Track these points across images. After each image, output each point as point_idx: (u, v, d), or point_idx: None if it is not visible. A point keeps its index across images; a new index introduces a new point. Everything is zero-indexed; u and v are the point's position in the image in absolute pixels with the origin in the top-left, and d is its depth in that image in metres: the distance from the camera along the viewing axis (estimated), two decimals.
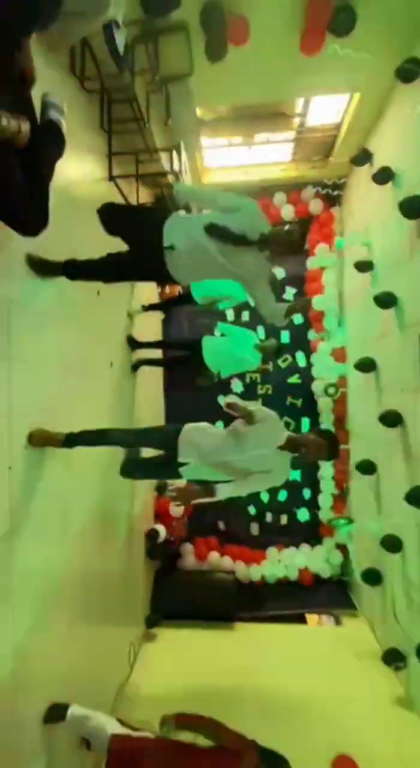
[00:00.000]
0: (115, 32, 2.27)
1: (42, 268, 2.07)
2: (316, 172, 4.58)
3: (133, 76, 2.72)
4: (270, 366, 4.97)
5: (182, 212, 2.20)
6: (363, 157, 3.81)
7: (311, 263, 4.85)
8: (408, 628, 3.13)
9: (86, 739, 2.29)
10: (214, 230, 1.99)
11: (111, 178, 3.27)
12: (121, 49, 2.37)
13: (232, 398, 2.22)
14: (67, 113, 1.39)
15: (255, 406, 2.16)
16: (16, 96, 1.02)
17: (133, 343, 3.83)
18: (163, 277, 2.12)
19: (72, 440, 2.13)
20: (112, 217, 2.20)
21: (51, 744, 2.14)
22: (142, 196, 4.01)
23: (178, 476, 2.20)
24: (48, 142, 1.18)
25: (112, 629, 3.27)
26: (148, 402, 4.32)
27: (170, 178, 3.69)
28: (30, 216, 1.16)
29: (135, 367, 3.90)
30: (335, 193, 4.61)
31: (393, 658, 3.06)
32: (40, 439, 2.05)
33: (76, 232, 2.62)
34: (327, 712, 3.08)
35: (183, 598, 4.27)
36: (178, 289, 4.44)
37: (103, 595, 3.04)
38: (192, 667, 3.59)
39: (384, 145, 3.61)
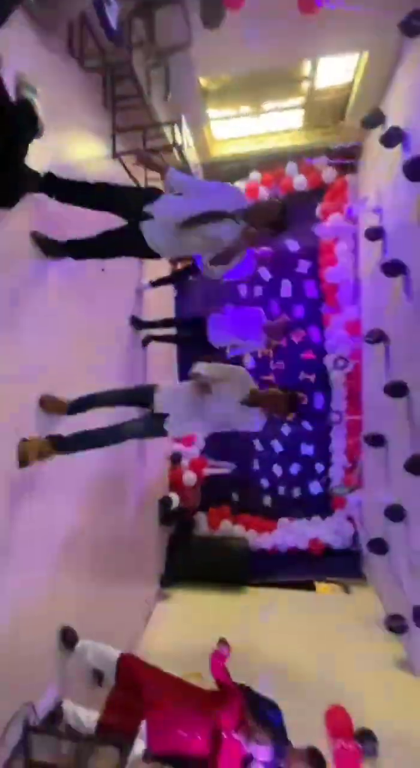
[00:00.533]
0: (106, 7, 2.31)
1: (46, 246, 2.22)
2: (328, 137, 4.43)
3: (130, 51, 2.75)
4: (281, 342, 4.93)
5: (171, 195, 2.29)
6: (375, 118, 3.64)
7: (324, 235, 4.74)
8: (410, 594, 3.18)
9: (98, 672, 2.54)
10: (189, 223, 2.10)
11: (115, 155, 3.34)
12: (113, 24, 2.41)
13: (199, 366, 2.30)
14: (66, 94, 1.44)
15: (216, 368, 2.28)
16: None
17: (137, 323, 3.86)
18: (144, 250, 2.21)
19: (72, 408, 2.30)
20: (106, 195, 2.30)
21: (65, 674, 2.40)
22: (149, 172, 4.06)
23: (163, 432, 2.31)
24: (22, 120, 1.27)
25: (126, 587, 3.52)
26: (158, 376, 4.44)
27: (175, 152, 3.71)
28: (12, 189, 1.26)
29: (145, 342, 4.02)
30: (347, 162, 4.43)
31: (394, 621, 3.13)
32: (51, 406, 2.22)
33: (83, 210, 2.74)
34: (328, 670, 3.21)
35: (196, 561, 4.49)
36: (188, 263, 4.43)
37: (116, 554, 3.27)
38: (202, 625, 3.80)
39: (397, 106, 3.44)
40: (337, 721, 2.66)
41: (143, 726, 1.91)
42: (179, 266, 4.79)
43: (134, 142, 3.52)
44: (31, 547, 2.14)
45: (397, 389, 3.19)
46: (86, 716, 2.23)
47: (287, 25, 3.00)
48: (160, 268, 4.56)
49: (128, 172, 3.62)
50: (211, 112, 4.24)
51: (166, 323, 4.16)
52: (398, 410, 3.37)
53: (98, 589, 2.93)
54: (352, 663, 3.32)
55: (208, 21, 2.83)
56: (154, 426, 2.30)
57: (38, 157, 2.32)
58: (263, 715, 2.13)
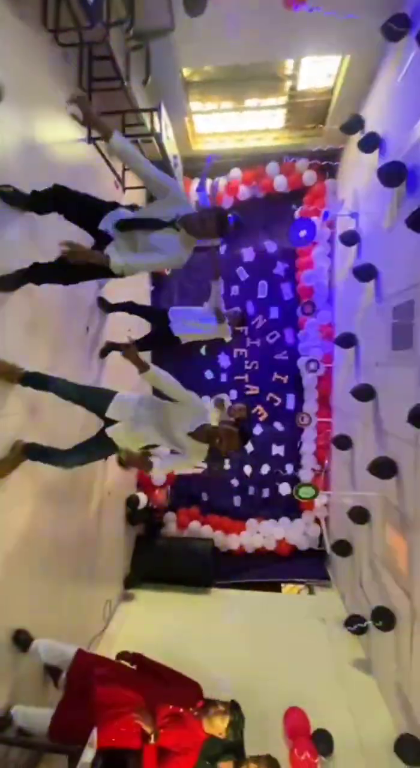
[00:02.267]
0: None
1: (11, 200, 2.16)
2: (309, 140, 4.45)
3: (107, 28, 2.64)
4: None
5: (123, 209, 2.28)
6: (354, 123, 3.68)
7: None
8: (370, 595, 3.22)
9: (52, 671, 2.43)
10: (121, 225, 2.12)
11: (90, 139, 3.22)
12: None
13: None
14: (37, 69, 1.34)
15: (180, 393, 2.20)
16: None
17: (106, 305, 3.62)
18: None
19: (27, 378, 2.20)
20: (63, 201, 2.24)
21: (18, 677, 2.28)
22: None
23: (111, 446, 2.25)
24: None
25: (87, 587, 3.40)
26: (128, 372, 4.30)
27: (153, 140, 3.62)
28: None
29: (104, 352, 3.61)
30: (325, 163, 4.46)
31: (353, 622, 3.16)
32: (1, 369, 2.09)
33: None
34: (289, 671, 3.21)
35: (161, 562, 4.41)
36: None
37: (78, 554, 3.16)
38: (166, 626, 3.74)
39: (375, 111, 3.48)
40: (295, 722, 2.66)
41: (94, 733, 1.82)
42: None
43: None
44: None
45: (364, 393, 3.22)
46: (39, 715, 2.13)
47: (270, 21, 2.97)
48: None
49: (105, 159, 3.50)
50: (193, 105, 4.16)
51: (128, 308, 3.82)
52: (365, 414, 3.41)
53: (56, 590, 2.82)
54: (313, 663, 3.34)
55: (190, 7, 2.75)
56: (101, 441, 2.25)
57: (4, 133, 2.23)
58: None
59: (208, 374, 5.15)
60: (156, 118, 3.33)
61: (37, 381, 2.23)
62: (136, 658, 2.35)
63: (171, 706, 2.02)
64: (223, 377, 5.14)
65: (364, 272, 3.23)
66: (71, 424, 2.73)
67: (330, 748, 2.51)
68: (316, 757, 2.44)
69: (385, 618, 2.67)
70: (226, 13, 2.89)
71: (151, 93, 3.56)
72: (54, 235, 2.34)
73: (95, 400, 2.30)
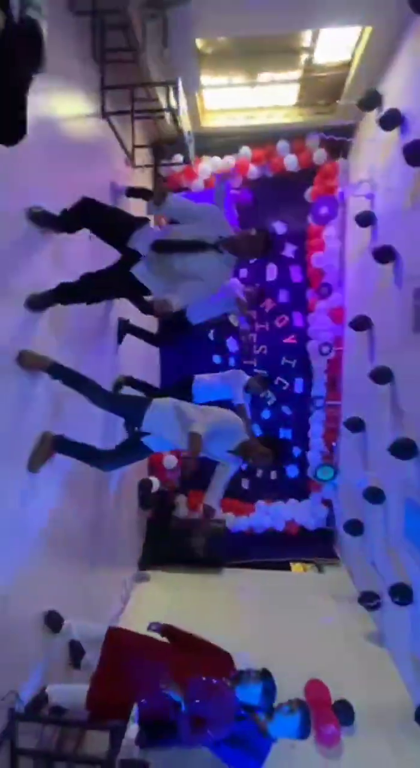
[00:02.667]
0: None
1: (42, 221, 2.10)
2: (322, 117, 4.34)
3: None
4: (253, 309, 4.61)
5: (152, 224, 2.27)
6: (372, 99, 3.59)
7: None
8: (384, 572, 3.31)
9: (75, 653, 2.48)
10: (160, 246, 2.09)
11: (104, 114, 3.10)
12: None
13: (196, 426, 2.29)
14: (51, 37, 1.27)
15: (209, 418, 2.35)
16: None
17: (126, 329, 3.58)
18: (137, 288, 2.17)
19: (57, 370, 2.18)
20: (89, 212, 2.20)
21: (51, 657, 2.32)
22: (140, 138, 3.83)
23: (145, 451, 2.38)
24: (27, 42, 1.09)
25: (105, 570, 3.45)
26: (139, 356, 4.27)
27: (167, 118, 3.51)
28: (11, 124, 1.10)
29: (121, 334, 3.59)
30: (340, 139, 4.33)
31: (368, 598, 3.25)
32: (30, 360, 2.07)
33: (66, 171, 2.53)
34: (304, 645, 3.31)
35: (174, 544, 4.47)
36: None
37: (96, 538, 3.19)
38: (181, 605, 3.82)
39: (395, 87, 3.39)
40: (316, 693, 2.75)
41: (136, 708, 1.87)
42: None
43: (126, 102, 3.28)
44: (13, 534, 2.01)
45: (382, 375, 3.24)
46: (71, 693, 2.19)
47: None
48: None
49: (117, 135, 3.39)
50: (204, 79, 4.02)
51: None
52: (380, 396, 3.43)
53: (78, 574, 2.86)
54: (326, 638, 3.45)
55: None
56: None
57: None
58: None
59: (216, 358, 5.13)
60: (171, 93, 3.20)
61: (67, 377, 2.23)
62: (167, 629, 2.40)
63: (204, 677, 2.08)
64: (232, 361, 5.12)
65: (384, 254, 3.21)
66: (96, 415, 2.72)
67: (351, 718, 2.61)
68: (339, 727, 2.54)
69: (403, 594, 2.75)
70: None
71: (165, 65, 3.42)
72: (77, 254, 2.31)
73: (128, 410, 2.35)
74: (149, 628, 2.43)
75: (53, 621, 2.33)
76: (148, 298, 2.61)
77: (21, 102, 1.13)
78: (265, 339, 5.05)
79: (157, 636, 2.42)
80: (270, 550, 4.73)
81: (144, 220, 2.22)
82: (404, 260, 3.12)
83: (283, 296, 4.99)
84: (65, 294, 2.20)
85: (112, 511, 3.60)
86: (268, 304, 5.00)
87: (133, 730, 1.81)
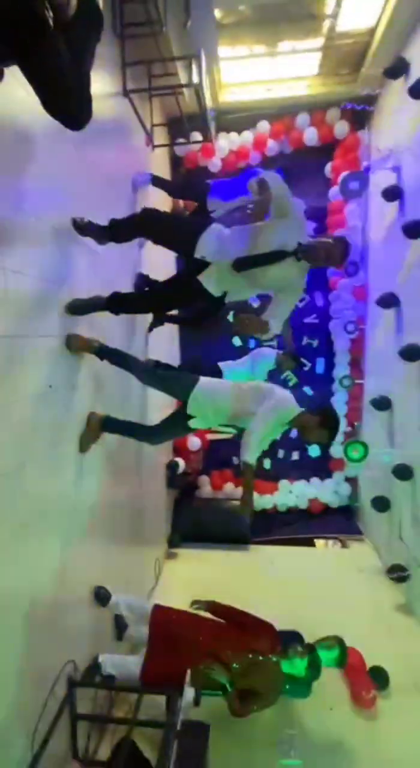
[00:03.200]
0: None
1: (87, 231, 2.14)
2: (344, 87, 4.20)
3: None
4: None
5: (219, 225, 2.17)
6: (399, 67, 3.46)
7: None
8: (413, 546, 3.38)
9: (119, 625, 2.60)
10: (241, 265, 2.04)
11: (125, 92, 3.04)
12: None
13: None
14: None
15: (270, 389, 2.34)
16: None
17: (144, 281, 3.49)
18: (199, 295, 2.14)
19: (105, 351, 2.24)
20: (151, 226, 2.21)
21: (98, 625, 2.44)
22: (155, 116, 3.75)
23: (188, 430, 2.40)
24: (86, 22, 1.07)
25: (140, 547, 3.57)
26: (161, 339, 4.28)
27: (186, 92, 3.42)
28: (81, 105, 1.10)
29: (153, 325, 3.61)
30: (362, 108, 4.19)
31: (396, 570, 3.33)
32: (78, 343, 2.12)
33: (93, 155, 2.51)
34: (334, 616, 3.40)
35: (201, 522, 4.59)
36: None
37: (130, 518, 3.31)
38: (211, 579, 3.92)
39: None
40: (351, 660, 2.85)
41: (189, 673, 1.97)
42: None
43: (144, 79, 3.20)
44: (67, 515, 2.11)
45: (413, 353, 3.23)
46: (122, 662, 2.31)
47: None
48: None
49: (137, 114, 3.33)
50: (222, 50, 3.89)
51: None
52: (407, 373, 3.43)
53: (117, 553, 2.97)
54: (356, 610, 3.54)
55: None
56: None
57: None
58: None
59: (236, 340, 5.13)
60: (194, 68, 3.12)
61: (115, 358, 2.29)
62: (211, 605, 2.50)
63: (250, 654, 2.17)
64: (252, 343, 5.11)
65: (414, 228, 3.15)
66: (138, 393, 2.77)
67: (387, 682, 2.72)
68: (375, 691, 2.65)
69: None
70: None
71: (184, 40, 3.32)
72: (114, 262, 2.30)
73: (175, 389, 2.39)
74: (192, 606, 2.53)
75: (102, 596, 2.45)
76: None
77: (89, 83, 1.13)
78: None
79: (201, 613, 2.52)
80: (294, 528, 4.83)
81: (206, 223, 2.17)
82: None
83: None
84: (117, 303, 2.23)
85: (144, 492, 3.70)
86: None
87: (189, 693, 1.92)
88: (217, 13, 3.51)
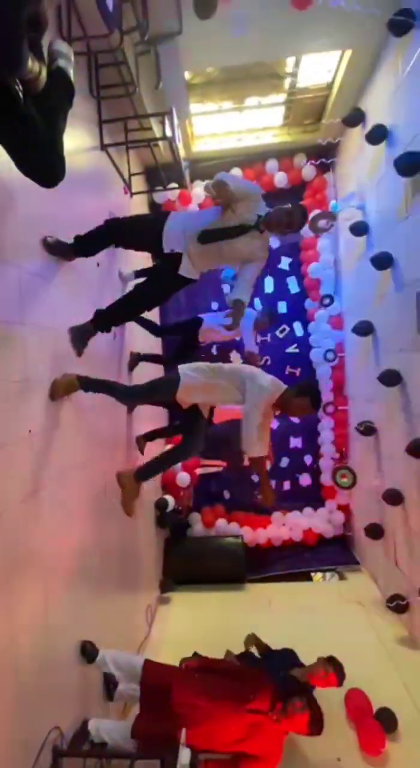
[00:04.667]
0: None
1: (56, 249, 2.16)
2: (308, 136, 4.53)
3: (121, 35, 2.65)
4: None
5: (177, 213, 2.38)
6: (355, 116, 3.77)
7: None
8: (410, 574, 3.31)
9: (108, 684, 2.43)
10: (206, 237, 2.17)
11: (103, 147, 3.22)
12: (110, 5, 2.31)
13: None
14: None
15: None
16: (33, 40, 1.01)
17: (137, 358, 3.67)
18: (180, 282, 2.24)
19: (87, 385, 2.25)
20: (116, 231, 2.31)
21: (85, 684, 2.28)
22: (132, 165, 3.95)
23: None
24: (59, 90, 1.17)
25: (129, 594, 3.41)
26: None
27: (161, 145, 3.64)
28: (52, 166, 1.16)
29: (132, 364, 3.65)
30: (329, 161, 4.57)
31: (396, 600, 3.24)
32: (61, 389, 2.11)
33: (74, 204, 2.61)
34: (337, 654, 3.23)
35: (193, 563, 4.43)
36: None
37: (118, 563, 3.16)
38: (206, 624, 3.77)
39: (376, 104, 3.57)
40: (357, 703, 2.72)
41: (183, 733, 1.84)
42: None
43: (122, 134, 3.41)
44: (45, 567, 2.00)
45: (390, 378, 3.31)
46: (115, 727, 2.15)
47: (276, 21, 3.02)
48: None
49: (115, 165, 3.51)
50: (193, 106, 4.19)
51: (157, 330, 4.06)
52: (390, 399, 3.50)
53: (106, 602, 2.82)
54: (358, 646, 3.40)
55: (200, 11, 2.78)
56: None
57: None
58: (284, 684, 2.24)
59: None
60: (166, 122, 3.34)
61: (98, 388, 2.30)
62: (203, 665, 2.37)
63: (249, 715, 2.05)
64: None
65: (382, 260, 3.31)
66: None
67: (395, 725, 2.58)
68: (384, 734, 2.50)
69: None
70: (231, 15, 2.93)
71: (156, 96, 3.57)
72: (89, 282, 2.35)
73: (163, 395, 2.47)
74: (183, 664, 2.40)
75: (88, 652, 2.30)
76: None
77: (62, 144, 1.20)
78: (268, 350, 5.12)
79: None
80: (290, 562, 4.70)
81: (164, 215, 2.29)
82: (402, 266, 3.23)
83: (282, 307, 5.10)
84: (105, 317, 2.31)
85: (133, 533, 3.58)
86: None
87: (184, 755, 1.78)
88: (187, 75, 3.80)
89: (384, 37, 3.11)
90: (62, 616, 2.10)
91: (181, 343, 3.92)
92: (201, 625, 3.78)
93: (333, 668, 2.29)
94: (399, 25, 2.72)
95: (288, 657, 2.54)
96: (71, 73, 1.24)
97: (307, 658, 3.19)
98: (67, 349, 2.31)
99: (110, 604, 2.90)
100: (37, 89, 1.04)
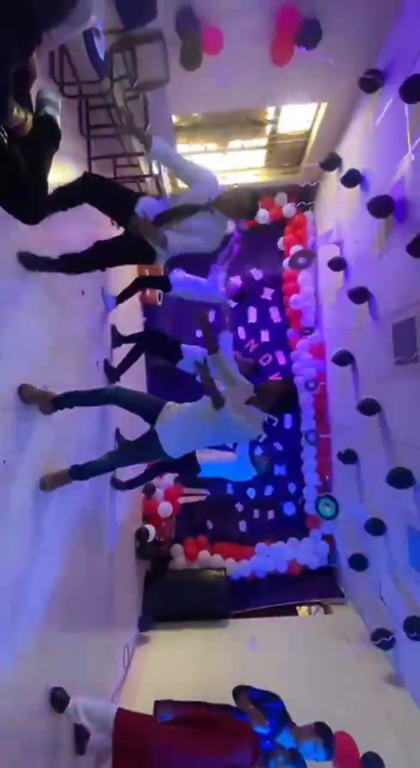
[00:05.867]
0: (96, 39, 2.35)
1: (33, 264, 2.15)
2: (288, 176, 4.79)
3: (112, 82, 2.81)
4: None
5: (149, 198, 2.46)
6: (332, 161, 4.03)
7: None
8: (395, 607, 3.26)
9: (80, 737, 2.28)
10: (160, 219, 2.26)
11: None
12: (101, 55, 2.45)
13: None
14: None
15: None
16: (21, 90, 1.08)
17: (118, 338, 3.74)
18: (150, 255, 2.31)
19: (62, 402, 2.23)
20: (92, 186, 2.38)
21: (55, 736, 2.12)
22: None
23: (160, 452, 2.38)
24: (45, 135, 1.24)
25: (106, 633, 3.23)
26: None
27: (148, 182, 3.79)
28: (35, 204, 1.21)
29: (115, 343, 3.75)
30: (309, 204, 4.85)
31: (381, 636, 3.18)
32: (30, 396, 2.05)
33: (63, 233, 2.67)
34: (321, 693, 3.15)
35: (174, 599, 4.27)
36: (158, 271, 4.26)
37: (95, 599, 3.01)
38: (187, 665, 3.60)
39: (351, 150, 3.83)
40: (342, 748, 2.59)
41: None
42: (147, 272, 4.65)
43: (110, 169, 3.55)
44: (13, 602, 1.88)
45: (369, 407, 3.38)
46: None
47: (258, 74, 3.25)
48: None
49: None
50: (180, 147, 4.40)
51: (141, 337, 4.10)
52: (369, 427, 3.56)
53: (80, 641, 2.66)
54: (344, 683, 3.30)
55: (186, 62, 2.98)
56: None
57: None
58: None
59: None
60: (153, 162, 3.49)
61: (76, 401, 2.30)
62: (180, 713, 2.24)
63: None
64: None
65: (359, 294, 3.46)
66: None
67: None
68: None
69: (419, 627, 2.72)
70: (217, 67, 3.14)
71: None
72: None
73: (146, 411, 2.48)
74: (158, 713, 2.27)
75: (58, 699, 2.14)
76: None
77: (46, 185, 1.25)
78: (251, 378, 5.16)
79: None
80: (274, 595, 4.59)
81: (137, 195, 2.41)
82: (378, 299, 3.37)
83: (264, 336, 5.21)
84: (70, 263, 2.33)
85: (111, 566, 3.44)
86: (252, 345, 5.20)
87: None
88: (174, 118, 4.02)
89: (356, 93, 3.38)
90: (31, 659, 1.97)
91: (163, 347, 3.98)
92: (182, 667, 3.61)
93: (323, 742, 2.17)
94: (368, 83, 2.97)
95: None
96: (58, 119, 1.31)
97: (292, 698, 3.08)
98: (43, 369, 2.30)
99: (84, 644, 2.73)
100: (23, 134, 1.10)
